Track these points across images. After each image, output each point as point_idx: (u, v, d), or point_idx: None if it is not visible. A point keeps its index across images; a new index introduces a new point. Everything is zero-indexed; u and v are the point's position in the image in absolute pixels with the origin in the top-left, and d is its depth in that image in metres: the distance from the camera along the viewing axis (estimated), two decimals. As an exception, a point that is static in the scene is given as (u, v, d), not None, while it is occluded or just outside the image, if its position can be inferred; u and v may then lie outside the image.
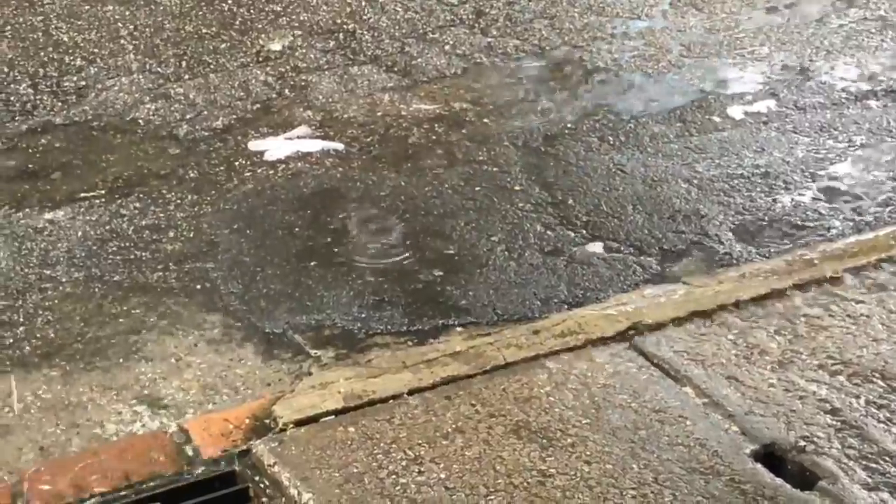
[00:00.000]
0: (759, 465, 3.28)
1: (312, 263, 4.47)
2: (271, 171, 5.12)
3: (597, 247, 4.54)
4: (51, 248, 4.55)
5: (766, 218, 4.72)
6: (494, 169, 5.10)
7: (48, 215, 4.77)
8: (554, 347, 3.82)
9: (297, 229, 4.69)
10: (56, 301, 4.24)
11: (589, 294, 4.25)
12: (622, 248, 4.52)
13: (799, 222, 4.68)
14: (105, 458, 3.42)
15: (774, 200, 4.83)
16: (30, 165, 5.16)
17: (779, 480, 3.23)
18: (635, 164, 5.12)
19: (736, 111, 5.59)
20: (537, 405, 3.52)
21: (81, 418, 3.67)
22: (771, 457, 3.34)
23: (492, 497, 3.16)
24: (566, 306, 4.17)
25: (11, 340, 4.02)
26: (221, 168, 5.15)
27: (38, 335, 4.06)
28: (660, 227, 4.66)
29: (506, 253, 4.51)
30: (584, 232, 4.63)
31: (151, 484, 3.34)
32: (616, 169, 5.09)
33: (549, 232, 4.63)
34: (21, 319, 4.13)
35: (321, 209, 4.83)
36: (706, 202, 4.83)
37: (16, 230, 4.66)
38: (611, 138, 5.34)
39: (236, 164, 5.18)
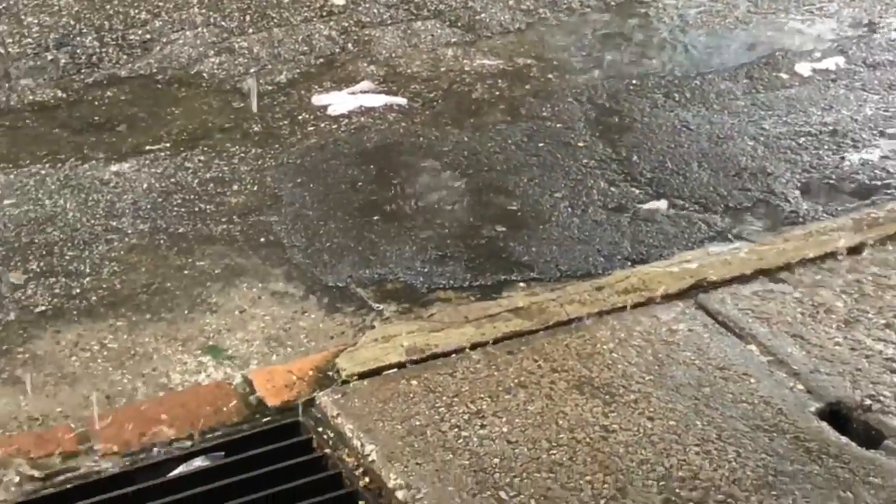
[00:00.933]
0: (824, 424, 3.26)
1: (375, 218, 4.47)
2: (334, 126, 5.13)
3: (661, 204, 4.50)
4: (117, 200, 4.58)
5: (834, 176, 4.66)
6: (558, 125, 5.08)
7: (114, 167, 4.80)
8: (617, 304, 3.80)
9: (359, 184, 4.70)
10: (122, 252, 4.28)
11: (653, 251, 4.22)
12: (687, 205, 4.49)
13: (867, 181, 4.62)
14: (170, 408, 3.46)
15: (842, 158, 4.78)
16: (95, 118, 5.19)
17: (844, 439, 3.21)
18: (701, 121, 5.08)
19: (804, 68, 5.52)
20: (600, 361, 3.51)
21: (147, 368, 3.70)
22: (836, 415, 3.31)
23: (554, 451, 3.16)
24: (630, 263, 4.15)
25: (78, 290, 4.06)
26: (285, 122, 5.16)
27: (105, 286, 4.10)
28: (725, 184, 4.62)
29: (569, 209, 4.49)
30: (649, 189, 4.60)
31: (216, 433, 3.37)
32: (681, 126, 5.05)
33: (612, 188, 4.61)
34: (88, 270, 4.17)
35: (384, 164, 4.83)
36: (773, 160, 4.78)
37: (82, 182, 4.70)
38: (676, 95, 5.30)
39: (300, 118, 5.19)
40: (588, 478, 3.06)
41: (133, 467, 3.24)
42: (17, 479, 3.20)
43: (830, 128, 5.00)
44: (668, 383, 3.40)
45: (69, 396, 3.58)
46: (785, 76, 5.46)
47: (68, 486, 3.17)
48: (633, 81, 5.42)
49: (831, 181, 4.63)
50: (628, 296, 3.83)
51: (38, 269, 4.17)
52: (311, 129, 5.11)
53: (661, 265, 4.06)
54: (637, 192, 4.58)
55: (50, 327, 3.88)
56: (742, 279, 3.89)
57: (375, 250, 4.28)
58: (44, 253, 4.25)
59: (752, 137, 4.94)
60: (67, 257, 4.24)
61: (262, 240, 4.36)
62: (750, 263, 3.98)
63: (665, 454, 3.14)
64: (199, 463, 3.25)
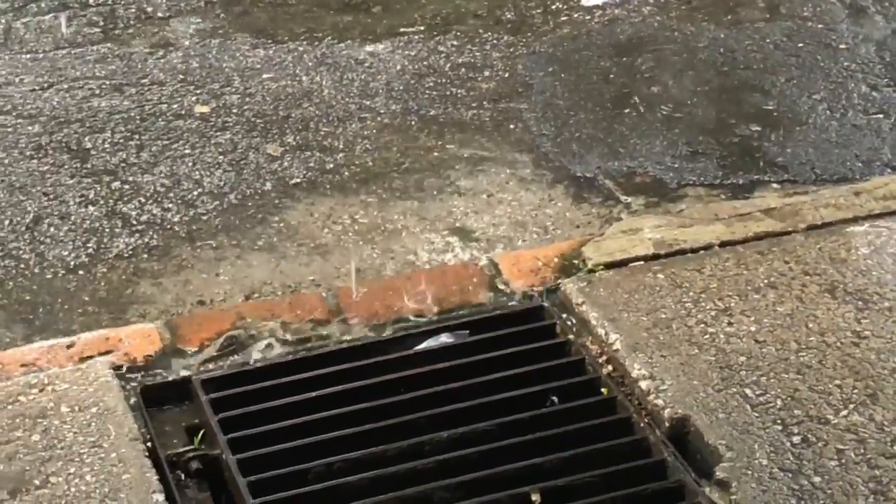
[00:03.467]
0: None
1: (626, 111, 4.44)
2: (587, 17, 5.08)
3: (926, 111, 4.36)
4: (370, 80, 4.65)
5: None
6: (819, 26, 4.93)
7: (369, 48, 4.86)
8: (874, 210, 3.69)
9: (611, 76, 4.66)
10: (374, 131, 4.35)
11: (915, 159, 4.10)
12: (954, 114, 4.34)
13: None
14: (418, 284, 3.51)
15: None
16: (352, -1, 5.27)
17: None
18: (972, 28, 4.88)
19: None
20: (854, 267, 3.42)
21: (396, 244, 3.77)
22: None
23: (803, 353, 3.11)
24: (889, 170, 4.04)
25: (332, 165, 4.15)
26: (538, 11, 5.13)
27: (357, 162, 4.18)
28: None
29: (827, 112, 4.37)
30: (913, 95, 4.46)
31: (461, 312, 3.42)
32: (951, 32, 4.86)
33: (874, 93, 4.46)
34: (341, 146, 4.26)
35: (637, 57, 4.77)
36: None
37: (338, 60, 4.77)
38: (947, -1, 5.09)
39: (553, 7, 5.16)
40: (837, 382, 3.01)
41: (381, 338, 3.31)
42: (271, 341, 3.31)
43: None
44: (924, 295, 3.30)
45: (321, 266, 3.68)
46: None
47: (319, 352, 3.26)
48: (902, -16, 5.22)
49: None
50: (887, 202, 3.71)
51: (294, 143, 4.27)
52: (564, 18, 5.07)
53: (923, 173, 3.94)
54: (900, 97, 4.44)
55: (304, 199, 3.99)
56: None
57: (625, 143, 4.25)
58: (300, 127, 4.36)
59: None
60: (322, 133, 4.33)
61: (512, 126, 4.37)
62: None
63: (920, 365, 3.06)
64: (444, 339, 3.30)
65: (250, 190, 4.03)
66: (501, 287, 3.51)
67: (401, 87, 4.59)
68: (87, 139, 4.28)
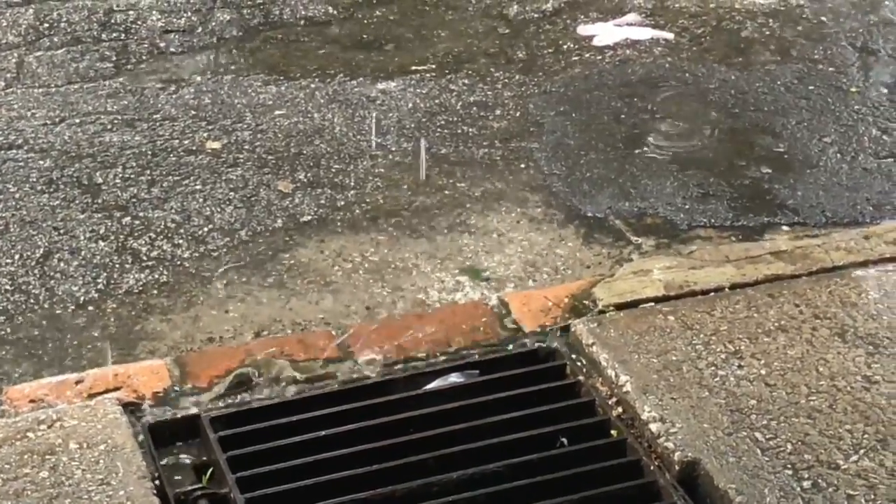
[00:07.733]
0: None
1: (637, 151, 4.44)
2: (599, 57, 5.10)
3: (937, 155, 4.36)
4: (382, 118, 4.66)
5: None
6: (830, 69, 4.94)
7: (381, 86, 4.88)
8: (884, 254, 3.69)
9: (622, 116, 4.66)
10: (385, 169, 4.35)
11: (926, 203, 4.10)
12: (964, 158, 4.34)
13: None
14: (428, 323, 3.51)
15: None
16: (364, 36, 5.28)
17: None
18: (983, 72, 4.89)
19: None
20: (864, 311, 3.42)
21: (406, 283, 3.77)
22: None
23: (813, 397, 3.10)
24: (899, 214, 4.04)
25: (343, 203, 4.15)
26: (549, 51, 5.15)
27: (368, 200, 4.18)
28: None
29: (838, 155, 4.38)
30: (924, 139, 4.46)
31: (471, 352, 3.41)
32: (962, 76, 4.86)
33: (885, 137, 4.47)
34: (352, 183, 4.26)
35: (648, 98, 4.78)
36: None
37: (350, 98, 4.79)
38: (958, 44, 5.10)
39: (564, 47, 5.17)
40: (848, 427, 3.00)
41: (390, 377, 3.31)
42: (280, 379, 3.30)
43: None
44: (936, 339, 3.30)
45: (331, 304, 3.68)
46: None
47: (328, 390, 3.25)
48: (912, 28, 5.24)
49: None
50: (897, 247, 3.72)
51: (305, 180, 4.28)
52: (576, 58, 5.09)
53: (934, 218, 3.94)
54: (911, 141, 4.45)
55: (314, 236, 3.99)
56: None
57: (636, 183, 4.25)
58: (311, 164, 4.36)
59: None
60: (333, 170, 4.34)
61: (523, 165, 4.38)
62: None
63: (931, 410, 3.05)
64: (454, 379, 3.29)
65: (261, 227, 4.03)
66: (511, 327, 3.51)
67: (412, 125, 4.61)
68: (98, 174, 4.29)
